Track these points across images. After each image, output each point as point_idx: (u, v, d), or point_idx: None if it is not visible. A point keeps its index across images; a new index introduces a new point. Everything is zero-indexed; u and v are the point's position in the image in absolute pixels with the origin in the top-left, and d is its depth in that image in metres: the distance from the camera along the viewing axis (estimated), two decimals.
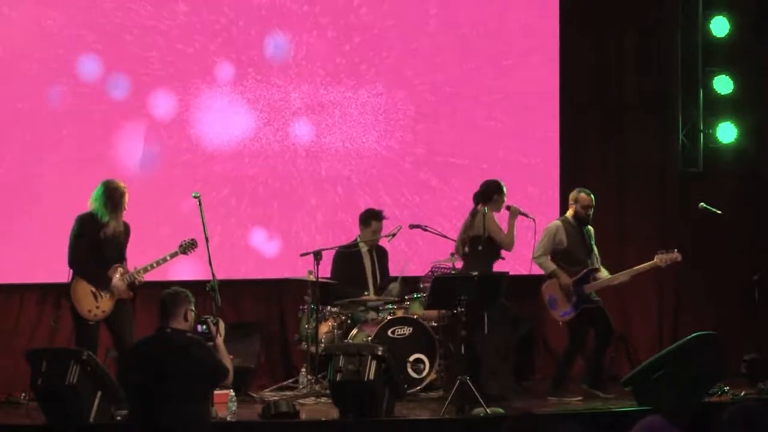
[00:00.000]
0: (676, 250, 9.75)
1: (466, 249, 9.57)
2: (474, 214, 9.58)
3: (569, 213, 9.88)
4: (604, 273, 9.82)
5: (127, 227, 8.90)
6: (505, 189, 9.63)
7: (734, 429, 5.27)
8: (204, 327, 6.94)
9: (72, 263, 8.75)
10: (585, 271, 9.73)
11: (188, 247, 8.96)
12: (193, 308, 6.74)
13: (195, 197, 8.86)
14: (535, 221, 9.59)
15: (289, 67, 10.62)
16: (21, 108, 9.92)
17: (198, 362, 6.59)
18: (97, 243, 8.73)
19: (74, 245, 8.76)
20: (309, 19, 10.66)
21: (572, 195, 9.90)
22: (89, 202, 8.82)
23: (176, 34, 10.28)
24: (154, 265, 8.85)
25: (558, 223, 9.89)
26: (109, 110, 10.13)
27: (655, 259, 9.78)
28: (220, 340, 6.89)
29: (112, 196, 8.76)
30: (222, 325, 6.99)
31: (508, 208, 9.64)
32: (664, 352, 9.12)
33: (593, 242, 9.92)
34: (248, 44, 10.49)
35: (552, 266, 9.74)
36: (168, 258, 8.90)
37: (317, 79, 10.68)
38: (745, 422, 5.26)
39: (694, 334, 9.02)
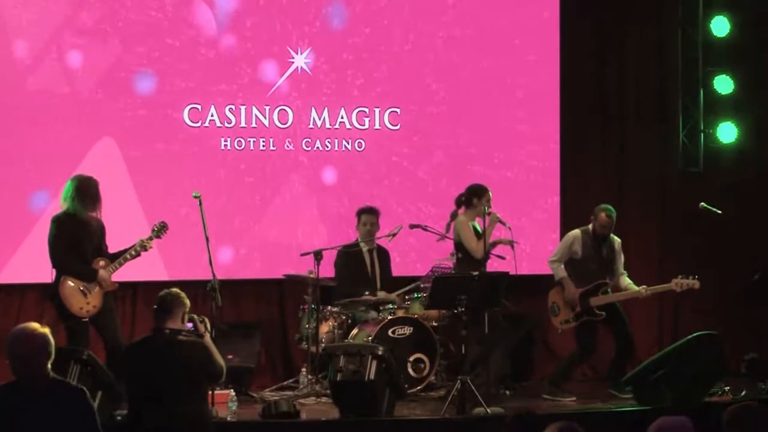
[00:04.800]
0: (696, 276, 9.62)
1: (459, 255, 9.59)
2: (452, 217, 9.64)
3: (590, 225, 9.82)
4: (629, 285, 9.75)
5: (101, 223, 8.78)
6: (485, 194, 9.53)
7: (734, 429, 5.28)
8: (191, 325, 6.94)
9: (56, 264, 8.61)
10: (594, 284, 9.68)
11: (160, 230, 8.84)
12: (187, 310, 6.80)
13: (195, 197, 8.84)
14: (511, 229, 9.43)
15: (293, 68, 10.63)
16: (19, 106, 9.93)
17: (197, 361, 6.65)
18: (76, 241, 8.63)
19: (54, 246, 8.60)
20: (314, 22, 10.70)
21: (595, 210, 9.77)
22: (61, 201, 8.68)
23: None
24: (133, 253, 8.70)
25: (577, 232, 9.82)
26: (108, 109, 10.14)
27: (672, 283, 9.68)
28: (208, 337, 6.93)
29: (87, 190, 8.64)
30: (207, 323, 7.00)
31: (488, 214, 9.43)
32: (664, 352, 9.13)
33: (617, 254, 9.82)
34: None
35: (562, 274, 9.70)
36: (145, 243, 8.70)
37: (319, 81, 10.69)
38: (745, 422, 5.27)
39: (694, 334, 9.02)
